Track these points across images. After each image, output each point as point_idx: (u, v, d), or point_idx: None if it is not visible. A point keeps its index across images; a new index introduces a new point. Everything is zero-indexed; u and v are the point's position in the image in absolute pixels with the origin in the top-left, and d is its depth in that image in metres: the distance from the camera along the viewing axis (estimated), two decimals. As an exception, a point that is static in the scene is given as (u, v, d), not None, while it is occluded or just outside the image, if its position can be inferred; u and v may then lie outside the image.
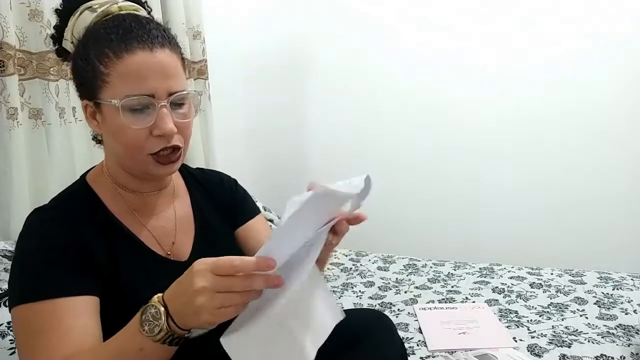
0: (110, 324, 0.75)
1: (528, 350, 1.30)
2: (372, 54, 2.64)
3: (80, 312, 0.74)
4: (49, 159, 1.56)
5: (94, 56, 0.79)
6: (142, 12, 0.89)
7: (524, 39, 2.38)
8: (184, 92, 0.82)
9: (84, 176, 0.91)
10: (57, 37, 0.90)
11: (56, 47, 0.91)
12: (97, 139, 0.92)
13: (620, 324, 1.42)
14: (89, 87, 0.81)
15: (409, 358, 1.10)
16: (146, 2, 0.94)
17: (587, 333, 1.38)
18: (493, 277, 1.83)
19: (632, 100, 2.30)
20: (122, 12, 0.84)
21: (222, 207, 1.02)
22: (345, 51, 2.68)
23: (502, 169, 2.52)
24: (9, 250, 1.35)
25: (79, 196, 0.86)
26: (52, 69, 1.51)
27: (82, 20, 0.84)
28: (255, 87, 2.66)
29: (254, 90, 2.66)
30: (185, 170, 1.03)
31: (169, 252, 0.89)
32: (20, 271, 0.77)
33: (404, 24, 2.56)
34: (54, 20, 0.91)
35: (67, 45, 0.88)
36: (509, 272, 1.88)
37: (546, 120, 2.42)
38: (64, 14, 0.88)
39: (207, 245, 0.94)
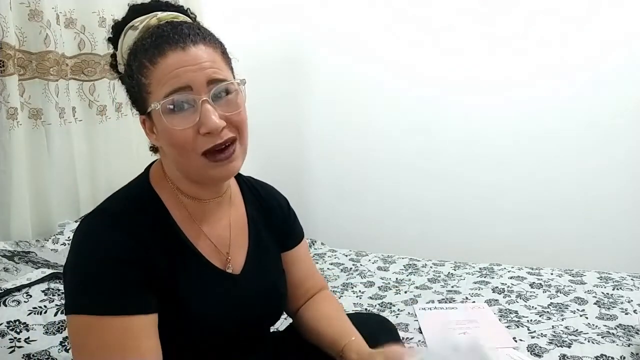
0: (161, 334, 0.74)
1: (528, 350, 1.29)
2: (372, 54, 2.64)
3: (145, 333, 0.73)
4: (49, 159, 1.56)
5: (135, 70, 0.78)
6: (182, 18, 0.85)
7: (523, 41, 2.38)
8: (225, 82, 0.77)
9: (146, 178, 0.87)
10: (114, 64, 0.87)
11: (119, 75, 0.87)
12: (154, 148, 0.89)
13: (620, 324, 1.42)
14: (139, 102, 0.80)
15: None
16: (188, 9, 0.90)
17: (587, 333, 1.37)
18: (493, 277, 1.83)
19: (632, 101, 2.30)
20: (160, 22, 0.81)
21: (275, 227, 1.00)
22: (346, 50, 2.68)
23: (502, 170, 2.52)
24: (9, 251, 1.35)
25: (145, 202, 0.83)
26: (51, 69, 1.51)
27: (127, 41, 0.83)
28: (255, 86, 2.65)
29: (254, 90, 2.64)
30: (239, 176, 1.00)
31: (228, 265, 0.88)
32: (84, 279, 0.74)
33: (403, 24, 2.56)
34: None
35: (121, 68, 0.85)
36: (509, 272, 1.88)
37: (546, 121, 2.42)
38: (114, 40, 0.86)
39: (257, 262, 0.92)
